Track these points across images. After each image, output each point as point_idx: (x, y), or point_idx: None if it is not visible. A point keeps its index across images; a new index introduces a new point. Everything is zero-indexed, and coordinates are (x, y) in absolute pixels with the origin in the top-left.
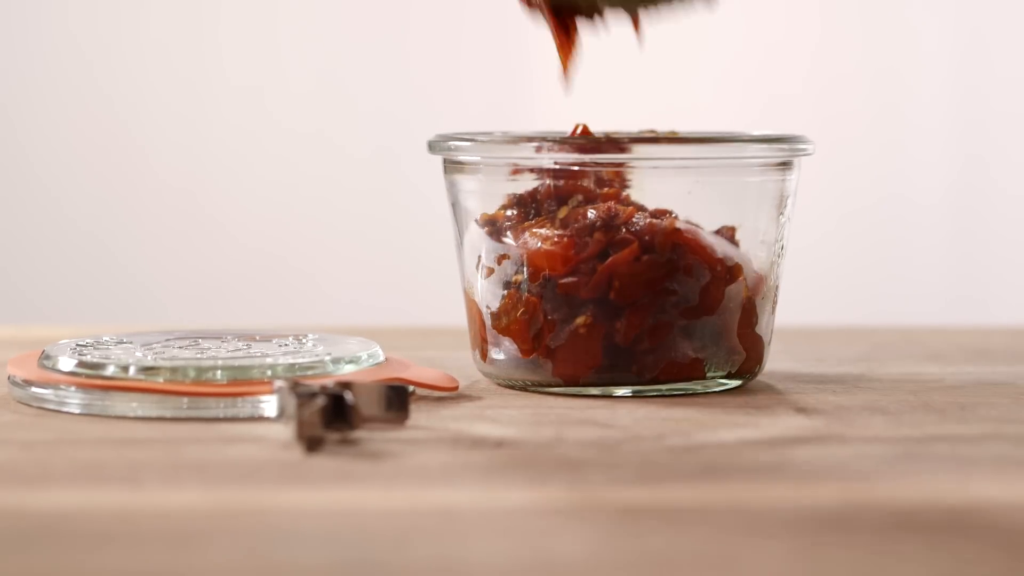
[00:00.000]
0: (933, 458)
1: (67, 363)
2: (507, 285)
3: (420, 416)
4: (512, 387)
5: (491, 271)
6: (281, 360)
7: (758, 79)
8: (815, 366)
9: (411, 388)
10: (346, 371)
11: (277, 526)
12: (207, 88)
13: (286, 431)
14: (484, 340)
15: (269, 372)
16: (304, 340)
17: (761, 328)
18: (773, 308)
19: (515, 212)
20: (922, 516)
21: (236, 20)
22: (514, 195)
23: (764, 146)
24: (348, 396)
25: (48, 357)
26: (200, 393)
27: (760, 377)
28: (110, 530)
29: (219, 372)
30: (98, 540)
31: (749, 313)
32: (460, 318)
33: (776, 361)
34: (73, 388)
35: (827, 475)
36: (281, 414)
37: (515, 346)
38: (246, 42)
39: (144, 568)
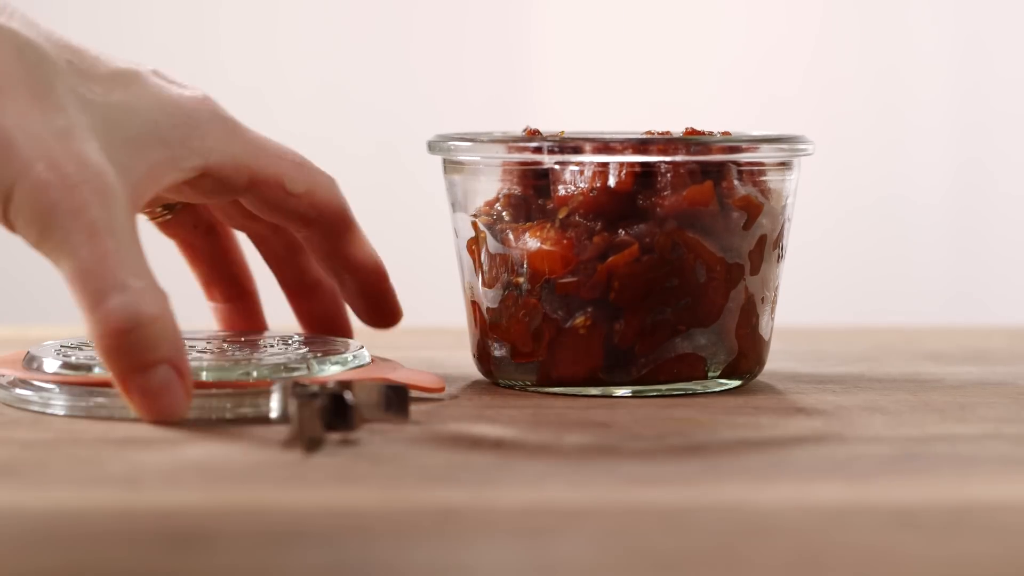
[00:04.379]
0: (933, 458)
1: (51, 364)
2: (507, 286)
3: (420, 416)
4: (512, 387)
5: (491, 272)
6: (266, 360)
7: (758, 79)
8: (815, 366)
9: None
10: (331, 372)
11: (277, 526)
12: (208, 86)
13: (286, 431)
14: (484, 340)
15: (255, 373)
16: (290, 341)
17: (761, 328)
18: (773, 308)
19: (508, 212)
20: (922, 516)
21: (238, 18)
22: (511, 195)
23: (764, 146)
24: (348, 396)
25: (32, 359)
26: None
27: (760, 377)
28: (110, 530)
29: (204, 373)
30: (98, 540)
31: (749, 313)
32: (460, 318)
33: (776, 361)
34: (57, 389)
35: (827, 475)
36: (281, 414)
37: (515, 347)
38: (247, 40)
39: (144, 568)
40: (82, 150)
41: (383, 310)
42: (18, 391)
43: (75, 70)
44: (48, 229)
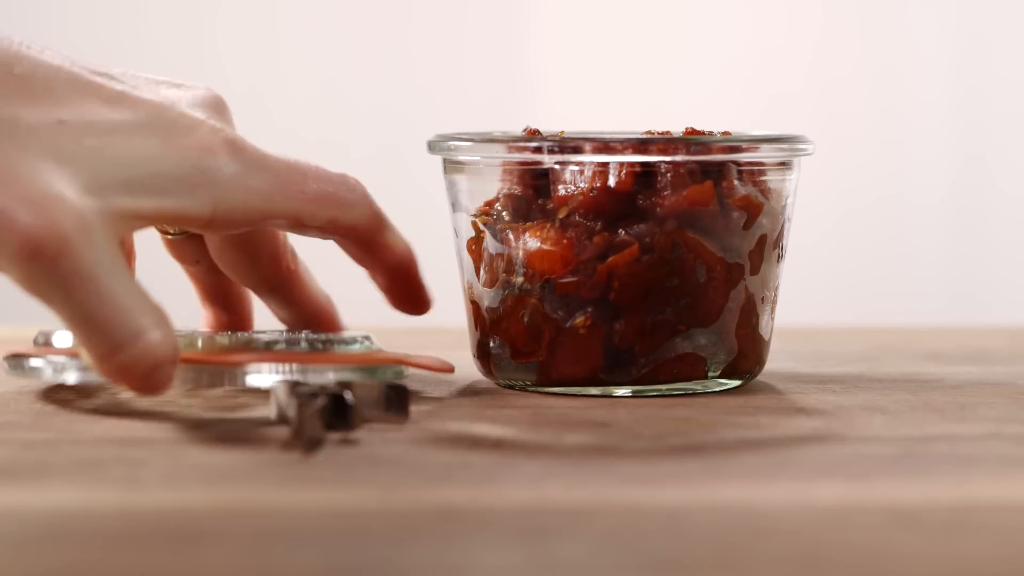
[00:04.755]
0: (933, 458)
1: (62, 338)
2: (507, 286)
3: (420, 416)
4: (512, 387)
5: (491, 272)
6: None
7: (758, 79)
8: (815, 366)
9: (407, 372)
10: (354, 350)
11: (277, 526)
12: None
13: (286, 431)
14: (484, 340)
15: (275, 348)
16: (298, 337)
17: (761, 328)
18: (773, 308)
19: (508, 212)
20: (922, 516)
21: (237, 19)
22: (511, 195)
23: (764, 146)
24: (348, 396)
25: (42, 334)
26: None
27: (760, 377)
28: (110, 530)
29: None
30: (98, 540)
31: (749, 313)
32: (460, 318)
33: (776, 361)
34: (71, 360)
35: (827, 475)
36: (281, 415)
37: (515, 346)
38: (247, 41)
39: (144, 568)
40: (54, 188)
41: (413, 300)
42: (31, 362)
43: (68, 129)
44: (33, 274)
